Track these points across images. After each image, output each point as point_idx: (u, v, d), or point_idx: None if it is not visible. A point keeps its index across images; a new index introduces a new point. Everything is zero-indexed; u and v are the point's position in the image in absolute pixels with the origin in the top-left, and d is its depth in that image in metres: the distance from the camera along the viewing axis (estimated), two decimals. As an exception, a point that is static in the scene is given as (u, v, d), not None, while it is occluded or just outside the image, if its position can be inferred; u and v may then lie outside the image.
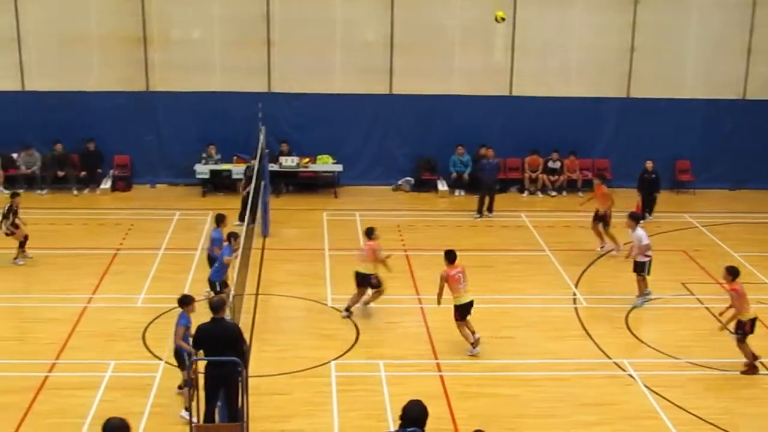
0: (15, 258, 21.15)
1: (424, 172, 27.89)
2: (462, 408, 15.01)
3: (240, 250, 17.04)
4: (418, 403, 9.35)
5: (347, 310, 18.38)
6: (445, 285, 16.90)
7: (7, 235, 21.03)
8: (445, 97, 27.48)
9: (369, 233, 18.48)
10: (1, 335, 17.50)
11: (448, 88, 27.53)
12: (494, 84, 27.76)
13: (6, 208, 21.14)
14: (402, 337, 17.84)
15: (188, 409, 14.07)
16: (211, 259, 18.52)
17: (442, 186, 27.65)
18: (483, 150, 26.14)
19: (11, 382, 15.71)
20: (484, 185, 25.34)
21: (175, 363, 14.86)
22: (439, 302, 16.98)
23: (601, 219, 22.52)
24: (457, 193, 27.49)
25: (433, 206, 26.61)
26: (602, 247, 22.50)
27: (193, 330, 13.65)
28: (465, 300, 16.94)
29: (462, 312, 16.96)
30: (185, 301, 14.38)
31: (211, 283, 17.62)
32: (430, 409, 9.31)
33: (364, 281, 18.31)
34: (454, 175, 27.42)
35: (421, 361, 16.76)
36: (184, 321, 14.25)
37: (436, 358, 16.83)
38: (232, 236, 17.71)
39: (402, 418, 9.34)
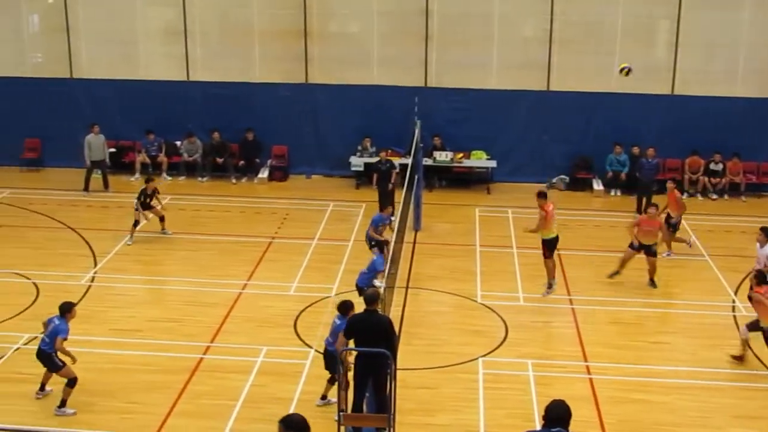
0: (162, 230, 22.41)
1: (579, 171, 27.48)
2: (611, 412, 14.72)
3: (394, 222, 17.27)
4: (562, 403, 9.24)
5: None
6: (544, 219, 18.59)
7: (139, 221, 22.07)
8: (604, 94, 26.97)
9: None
10: (162, 316, 18.11)
11: (607, 86, 26.99)
12: (655, 82, 27.06)
13: (139, 191, 22.13)
14: (551, 337, 17.65)
15: (324, 397, 14.33)
16: (370, 241, 19.27)
17: (597, 185, 27.19)
18: (636, 149, 25.90)
19: (170, 362, 16.24)
20: (642, 185, 24.80)
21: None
22: None
23: (673, 226, 21.52)
24: (613, 192, 26.98)
25: (588, 205, 26.19)
26: (668, 254, 21.56)
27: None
28: (552, 235, 18.67)
29: (551, 246, 18.61)
30: (347, 306, 14.23)
31: (358, 288, 17.39)
32: (577, 412, 9.18)
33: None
34: (611, 174, 26.90)
35: (570, 362, 16.52)
36: (340, 324, 14.25)
37: (586, 361, 16.56)
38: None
39: (545, 417, 9.24)
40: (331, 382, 14.45)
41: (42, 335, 14.85)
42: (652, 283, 19.86)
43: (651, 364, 16.50)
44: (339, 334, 13.62)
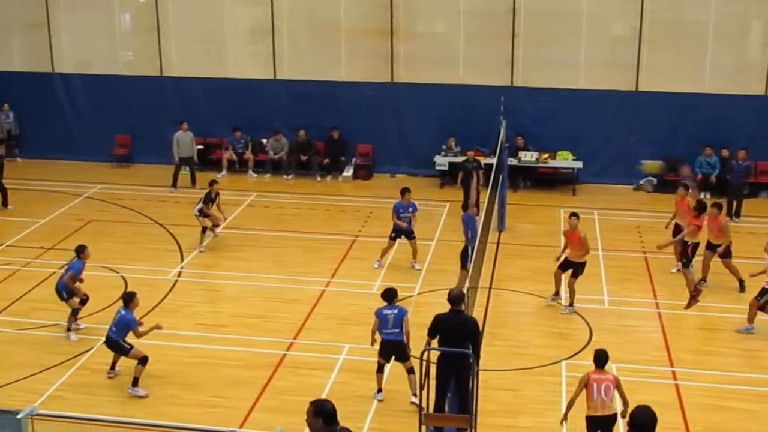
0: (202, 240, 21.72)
1: (668, 173, 27.02)
2: (698, 420, 14.48)
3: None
4: (648, 409, 9.12)
5: None
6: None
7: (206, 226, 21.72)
8: (694, 95, 26.44)
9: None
10: (246, 312, 18.33)
11: (698, 86, 26.50)
12: (747, 82, 26.46)
13: (204, 195, 21.89)
14: (637, 341, 17.39)
15: (416, 395, 14.36)
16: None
17: (686, 188, 26.69)
18: (726, 151, 25.46)
19: (253, 357, 16.44)
20: (732, 188, 24.30)
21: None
22: None
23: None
24: (702, 195, 26.44)
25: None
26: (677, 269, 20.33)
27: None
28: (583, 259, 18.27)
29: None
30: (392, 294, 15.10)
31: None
32: (663, 419, 9.06)
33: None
34: (700, 176, 26.38)
35: (656, 367, 16.29)
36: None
37: (672, 366, 16.31)
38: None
39: (630, 423, 9.13)
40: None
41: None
42: (741, 286, 19.44)
43: (739, 371, 16.16)
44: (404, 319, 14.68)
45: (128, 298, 15.55)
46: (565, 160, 27.01)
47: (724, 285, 19.55)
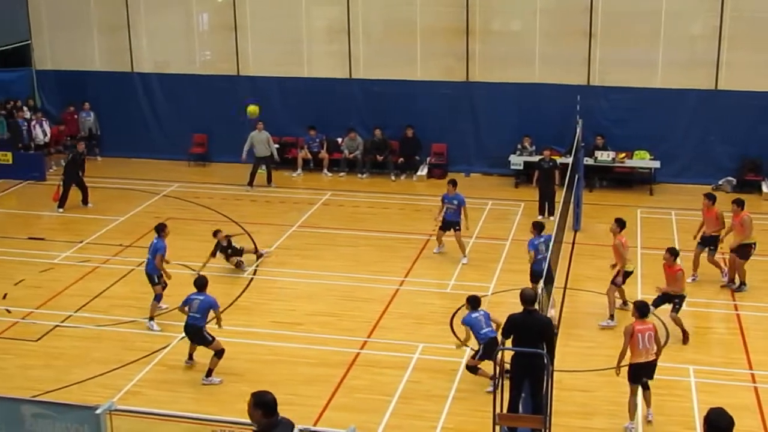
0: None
1: (747, 173, 26.53)
2: (778, 423, 14.25)
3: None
4: (724, 412, 8.96)
5: None
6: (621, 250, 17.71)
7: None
8: (775, 94, 26.01)
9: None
10: (321, 310, 18.45)
11: (781, 84, 26.06)
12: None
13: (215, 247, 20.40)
14: (714, 343, 17.15)
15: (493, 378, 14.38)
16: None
17: (766, 188, 26.19)
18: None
19: (328, 355, 16.56)
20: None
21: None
22: None
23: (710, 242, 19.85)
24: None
25: (756, 208, 25.09)
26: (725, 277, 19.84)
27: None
28: (631, 268, 17.97)
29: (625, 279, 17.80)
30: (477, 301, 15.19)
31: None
32: (741, 422, 8.91)
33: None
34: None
35: (734, 370, 16.03)
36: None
37: (751, 369, 16.04)
38: (535, 226, 18.40)
39: (707, 426, 8.99)
40: None
41: (190, 313, 15.76)
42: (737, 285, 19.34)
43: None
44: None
45: (202, 283, 15.98)
46: (642, 160, 26.67)
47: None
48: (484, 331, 14.94)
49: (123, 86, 29.87)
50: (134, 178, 27.71)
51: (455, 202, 21.01)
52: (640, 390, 14.22)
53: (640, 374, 14.06)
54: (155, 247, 17.75)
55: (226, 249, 20.49)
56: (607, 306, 17.73)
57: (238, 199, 25.90)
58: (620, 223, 17.95)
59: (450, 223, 21.06)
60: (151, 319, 17.73)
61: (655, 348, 14.13)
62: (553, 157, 24.36)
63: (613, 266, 18.16)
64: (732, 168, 26.63)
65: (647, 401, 14.40)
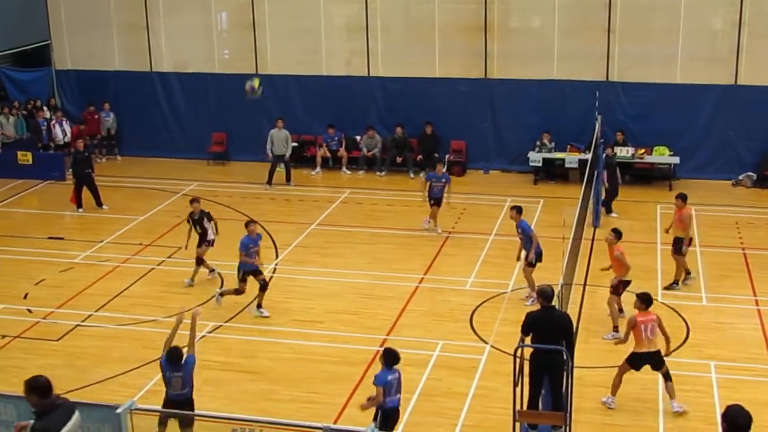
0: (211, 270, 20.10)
1: (767, 168, 26.39)
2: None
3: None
4: (743, 410, 8.92)
5: None
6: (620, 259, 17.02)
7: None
8: (796, 89, 25.85)
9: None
10: (341, 308, 18.46)
11: (801, 79, 25.91)
12: None
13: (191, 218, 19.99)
14: (736, 338, 17.05)
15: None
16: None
17: (787, 183, 26.09)
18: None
19: (348, 353, 16.57)
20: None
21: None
22: None
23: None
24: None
25: (777, 203, 25.18)
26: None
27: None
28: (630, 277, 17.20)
29: (625, 288, 17.18)
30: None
31: None
32: (761, 417, 8.88)
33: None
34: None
35: (755, 365, 15.95)
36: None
37: (773, 364, 15.98)
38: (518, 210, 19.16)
39: (726, 423, 8.94)
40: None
41: None
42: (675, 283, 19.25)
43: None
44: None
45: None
46: (661, 156, 26.56)
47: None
48: (391, 398, 12.95)
49: (142, 86, 30.00)
50: (154, 177, 27.82)
51: (443, 180, 22.32)
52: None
53: (640, 362, 14.37)
54: (240, 243, 18.03)
55: (196, 222, 19.75)
56: (611, 317, 17.32)
57: (257, 197, 25.95)
58: (617, 234, 17.35)
59: (438, 199, 22.30)
60: (221, 294, 18.24)
61: (662, 339, 14.38)
62: (615, 154, 24.35)
63: (606, 269, 17.83)
64: (752, 163, 26.50)
65: (670, 393, 14.42)
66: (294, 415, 14.32)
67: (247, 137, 28.71)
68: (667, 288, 19.10)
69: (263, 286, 18.06)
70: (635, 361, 14.37)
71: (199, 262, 19.83)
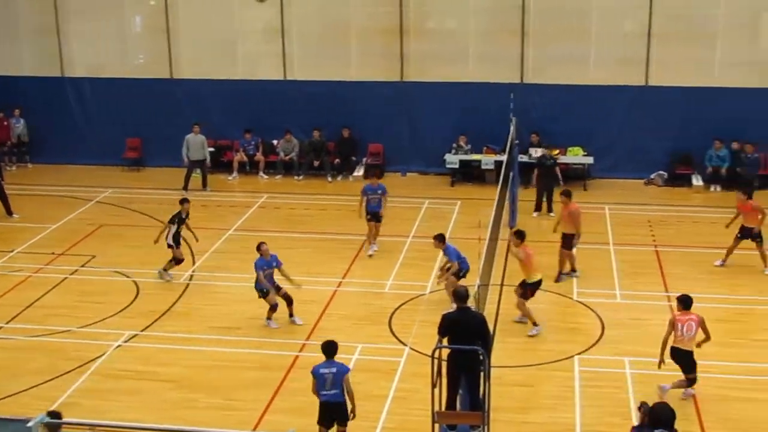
0: (163, 269, 20.09)
1: (678, 167, 26.95)
2: (710, 411, 14.47)
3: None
4: (667, 406, 9.10)
5: None
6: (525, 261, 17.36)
7: (168, 246, 19.96)
8: (704, 89, 26.37)
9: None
10: (259, 314, 18.27)
11: (708, 80, 26.45)
12: (757, 76, 26.37)
13: (173, 215, 20.27)
14: (649, 334, 17.26)
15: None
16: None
17: (696, 181, 26.63)
18: (736, 144, 25.51)
19: (267, 359, 16.47)
20: (743, 180, 24.24)
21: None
22: None
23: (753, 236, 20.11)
24: (712, 188, 26.38)
25: (687, 201, 25.69)
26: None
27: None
28: (536, 278, 17.30)
29: (533, 290, 17.29)
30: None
31: None
32: (676, 410, 9.02)
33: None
34: (710, 169, 26.32)
35: (668, 360, 16.18)
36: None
37: (685, 359, 16.26)
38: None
39: (651, 418, 9.10)
40: None
41: None
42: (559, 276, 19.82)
43: (754, 361, 16.13)
44: None
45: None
46: (576, 156, 26.95)
47: (735, 276, 19.57)
48: (325, 392, 13.03)
49: (54, 91, 29.43)
50: (67, 184, 27.32)
51: (380, 191, 21.40)
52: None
53: (677, 358, 14.84)
54: (254, 265, 17.76)
55: (182, 222, 20.15)
56: (527, 317, 17.54)
57: (173, 204, 25.48)
58: (519, 235, 17.61)
59: (377, 214, 21.37)
60: (269, 318, 17.90)
61: (702, 338, 14.83)
62: (552, 154, 24.61)
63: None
64: (664, 162, 27.04)
65: (679, 386, 14.86)
66: (214, 422, 14.21)
67: (163, 142, 28.40)
68: (557, 280, 19.63)
69: (288, 301, 17.90)
70: (672, 354, 14.82)
71: (179, 261, 20.02)
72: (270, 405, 14.90)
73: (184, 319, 18.15)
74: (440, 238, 18.88)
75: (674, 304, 18.21)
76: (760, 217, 19.77)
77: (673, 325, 14.72)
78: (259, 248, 17.91)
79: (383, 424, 14.37)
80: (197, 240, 20.95)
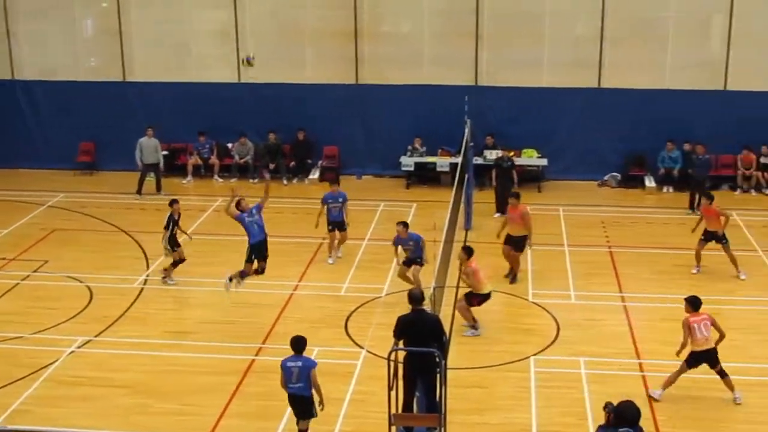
0: (164, 277, 20.05)
1: (631, 168, 27.21)
2: (664, 409, 14.63)
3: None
4: (633, 404, 9.21)
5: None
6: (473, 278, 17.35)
7: (165, 255, 20.07)
8: (656, 91, 26.67)
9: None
10: (214, 318, 18.25)
11: (660, 83, 26.75)
12: (708, 78, 26.72)
13: (166, 218, 19.94)
14: (604, 335, 17.50)
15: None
16: None
17: (649, 182, 26.91)
18: (687, 145, 25.74)
19: (222, 363, 16.38)
20: (694, 182, 24.52)
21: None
22: None
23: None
24: (665, 189, 26.67)
25: (640, 202, 25.95)
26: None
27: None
28: (485, 291, 17.33)
29: (480, 301, 17.31)
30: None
31: None
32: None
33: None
34: (663, 171, 26.60)
35: (623, 360, 16.39)
36: None
37: (639, 358, 16.43)
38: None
39: (617, 417, 9.20)
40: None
41: None
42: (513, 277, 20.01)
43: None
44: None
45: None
46: (530, 158, 27.11)
47: (688, 277, 19.80)
48: (291, 385, 13.29)
49: (4, 94, 29.03)
50: (17, 189, 26.98)
51: (340, 199, 21.25)
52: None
53: (699, 361, 14.77)
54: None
55: (175, 223, 19.92)
56: (464, 320, 17.54)
57: (127, 208, 25.46)
58: (468, 251, 17.50)
59: (340, 223, 21.21)
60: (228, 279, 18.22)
61: (717, 336, 14.84)
62: (510, 156, 24.73)
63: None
64: (617, 164, 27.28)
65: (730, 387, 14.88)
66: (168, 428, 14.14)
67: (116, 146, 28.12)
68: (513, 282, 19.81)
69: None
70: (694, 360, 14.74)
71: (177, 263, 19.92)
72: (226, 410, 14.82)
73: (138, 324, 18.00)
74: (405, 225, 19.13)
75: (629, 304, 18.54)
76: (723, 219, 19.97)
77: (689, 327, 14.69)
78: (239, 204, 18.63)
79: (340, 427, 14.36)
80: (190, 239, 20.89)
